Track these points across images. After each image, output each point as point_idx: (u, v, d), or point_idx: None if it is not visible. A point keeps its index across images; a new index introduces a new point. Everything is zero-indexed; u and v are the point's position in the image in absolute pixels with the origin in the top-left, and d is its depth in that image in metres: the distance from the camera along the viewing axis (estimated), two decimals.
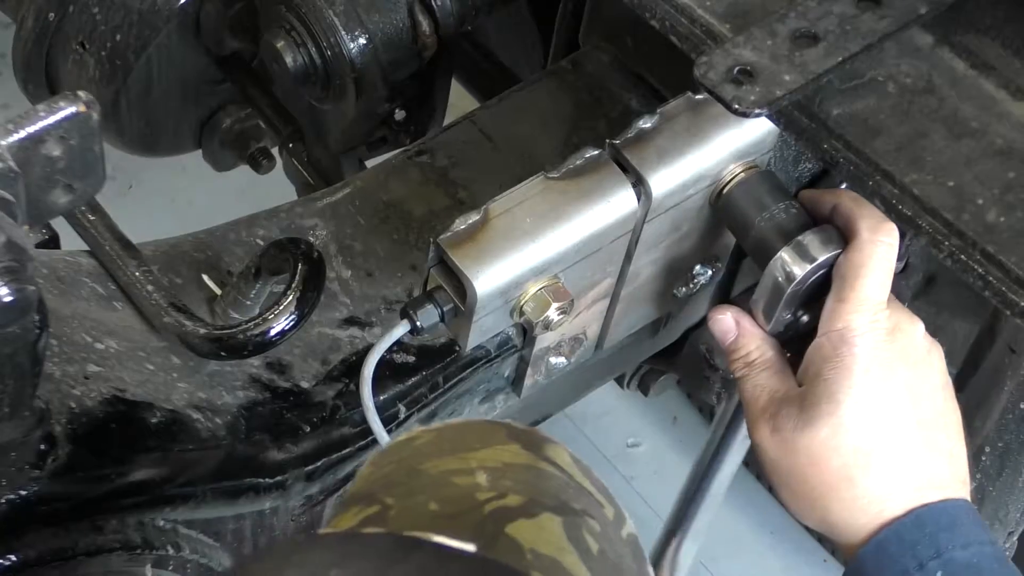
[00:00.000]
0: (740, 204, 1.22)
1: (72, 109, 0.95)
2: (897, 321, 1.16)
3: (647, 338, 1.46)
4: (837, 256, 1.17)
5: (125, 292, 1.30)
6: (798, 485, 1.15)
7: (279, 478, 1.28)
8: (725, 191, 1.23)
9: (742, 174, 1.22)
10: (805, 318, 1.21)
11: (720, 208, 1.24)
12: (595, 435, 2.35)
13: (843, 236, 1.18)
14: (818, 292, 1.19)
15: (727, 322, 1.22)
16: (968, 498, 1.15)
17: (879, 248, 1.15)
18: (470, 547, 0.80)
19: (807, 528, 2.18)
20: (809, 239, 1.17)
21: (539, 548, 0.83)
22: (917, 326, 1.17)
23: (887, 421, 1.13)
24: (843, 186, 1.38)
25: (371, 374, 1.17)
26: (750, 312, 1.22)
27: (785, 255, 1.17)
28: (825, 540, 2.18)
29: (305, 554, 0.78)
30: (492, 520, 0.84)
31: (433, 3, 1.49)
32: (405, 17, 1.48)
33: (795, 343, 1.21)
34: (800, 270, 1.16)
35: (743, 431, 1.30)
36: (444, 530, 0.81)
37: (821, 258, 1.16)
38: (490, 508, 0.85)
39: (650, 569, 0.93)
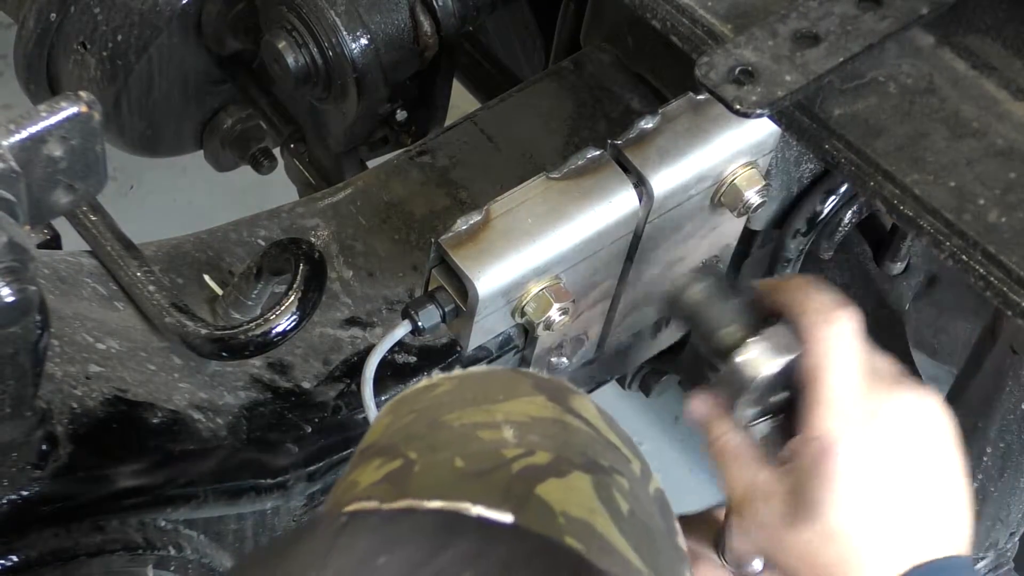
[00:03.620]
0: (694, 308, 1.14)
1: (74, 109, 0.95)
2: (876, 404, 1.08)
3: (648, 338, 1.46)
4: (794, 359, 1.09)
5: (126, 292, 1.30)
6: (791, 572, 1.11)
7: (280, 478, 1.28)
8: (681, 296, 1.14)
9: (695, 281, 1.13)
10: (773, 400, 1.14)
11: (675, 311, 1.16)
12: None
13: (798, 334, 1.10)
14: (779, 386, 1.12)
15: (700, 407, 1.15)
16: (967, 546, 1.10)
17: (833, 342, 1.07)
18: (507, 517, 0.79)
19: None
20: (765, 341, 1.09)
21: (570, 511, 0.82)
22: (898, 397, 1.09)
23: (878, 512, 1.08)
24: (842, 189, 1.38)
25: (373, 374, 1.17)
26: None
27: (743, 357, 1.09)
28: None
29: (351, 539, 0.77)
30: (521, 480, 0.83)
31: (435, 3, 1.49)
32: (406, 17, 1.48)
33: (763, 427, 1.15)
34: (757, 373, 1.09)
35: None
36: (474, 491, 0.81)
37: (780, 359, 1.09)
38: (518, 467, 0.83)
39: (677, 526, 0.91)
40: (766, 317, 1.11)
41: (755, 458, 1.13)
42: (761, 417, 1.14)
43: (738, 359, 1.09)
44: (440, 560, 0.75)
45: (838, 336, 1.08)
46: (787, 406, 1.13)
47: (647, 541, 0.86)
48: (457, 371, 0.94)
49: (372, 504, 0.83)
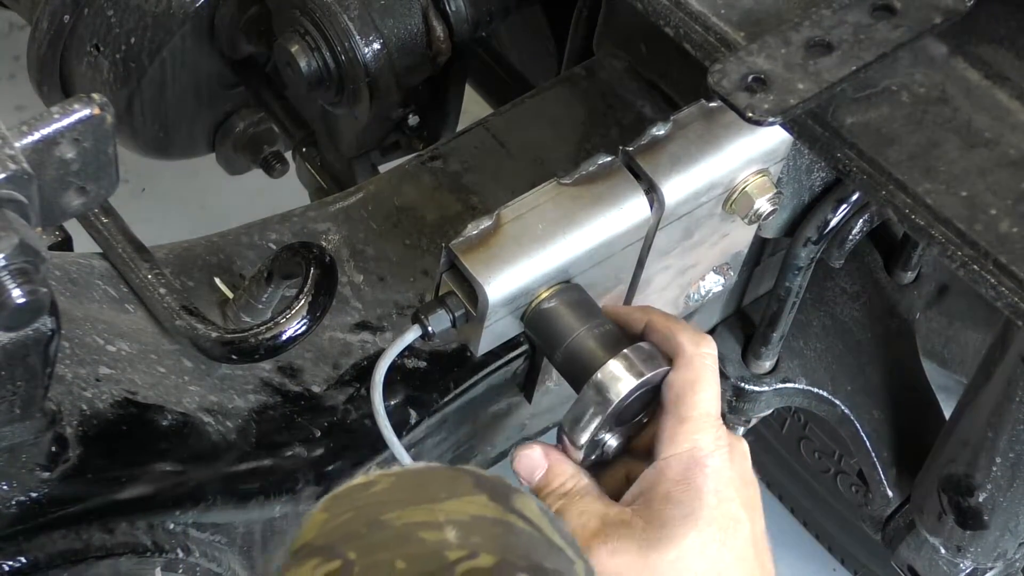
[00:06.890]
0: (551, 320, 1.17)
1: (86, 111, 0.95)
2: (731, 438, 1.12)
3: None
4: (663, 373, 1.12)
5: (137, 295, 1.30)
6: None
7: (289, 483, 1.28)
8: (533, 307, 1.17)
9: (548, 293, 1.17)
10: (612, 443, 1.16)
11: (528, 323, 1.18)
12: None
13: (663, 354, 1.13)
14: (628, 415, 1.14)
15: (534, 457, 1.15)
16: None
17: (707, 361, 1.11)
18: None
19: (816, 536, 2.19)
20: (633, 354, 1.12)
21: None
22: (744, 443, 1.14)
23: (735, 541, 1.09)
24: (854, 198, 1.38)
25: (382, 379, 1.17)
26: (560, 441, 1.16)
27: (611, 369, 1.11)
28: (835, 548, 2.18)
29: None
30: None
31: (448, 9, 1.49)
32: (419, 22, 1.48)
33: (594, 470, 1.16)
34: (626, 385, 1.10)
35: None
36: None
37: (648, 374, 1.11)
38: (461, 570, 0.81)
39: None
40: (621, 339, 1.14)
41: (601, 495, 1.13)
42: (591, 455, 1.15)
43: (600, 376, 1.11)
44: None
45: (710, 355, 1.12)
46: (625, 445, 1.16)
47: None
48: (395, 467, 0.92)
49: None
